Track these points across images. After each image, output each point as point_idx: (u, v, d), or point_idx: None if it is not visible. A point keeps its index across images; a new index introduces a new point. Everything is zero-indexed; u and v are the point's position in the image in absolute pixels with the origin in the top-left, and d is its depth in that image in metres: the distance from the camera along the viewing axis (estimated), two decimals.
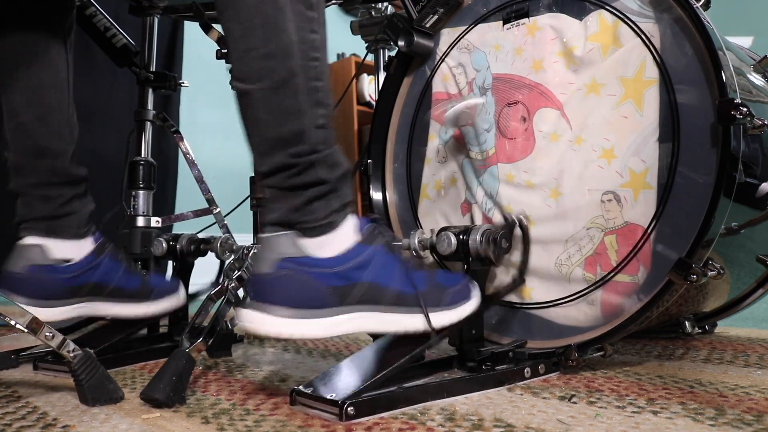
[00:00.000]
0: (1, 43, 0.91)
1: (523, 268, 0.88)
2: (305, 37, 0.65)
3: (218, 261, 1.14)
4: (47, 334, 0.73)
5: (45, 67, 0.91)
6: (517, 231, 0.88)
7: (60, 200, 0.91)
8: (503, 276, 0.93)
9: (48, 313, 0.87)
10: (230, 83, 0.67)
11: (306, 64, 0.65)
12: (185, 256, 1.14)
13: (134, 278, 1.01)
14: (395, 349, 0.75)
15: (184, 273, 1.16)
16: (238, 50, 0.65)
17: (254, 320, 0.64)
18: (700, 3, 0.83)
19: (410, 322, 0.71)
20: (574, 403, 0.70)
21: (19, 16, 0.91)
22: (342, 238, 0.67)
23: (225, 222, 1.31)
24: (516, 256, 0.90)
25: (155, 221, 1.28)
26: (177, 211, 2.12)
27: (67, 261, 0.90)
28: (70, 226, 0.92)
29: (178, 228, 1.65)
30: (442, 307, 0.74)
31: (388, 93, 1.16)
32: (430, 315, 0.72)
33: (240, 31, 0.64)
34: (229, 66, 1.21)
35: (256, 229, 1.24)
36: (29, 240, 0.89)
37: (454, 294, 0.77)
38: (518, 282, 0.88)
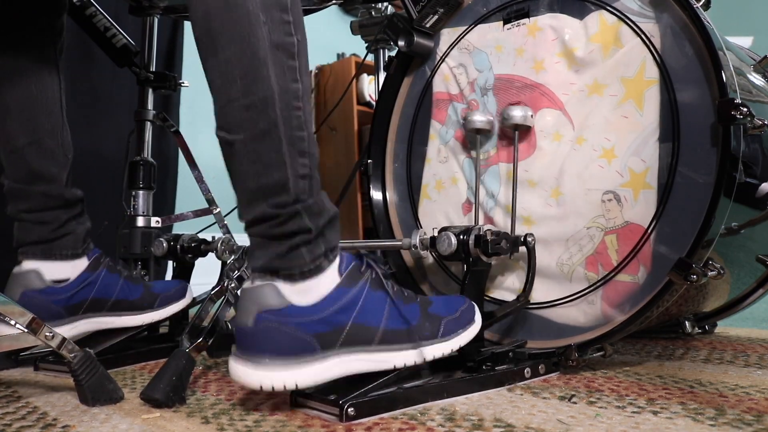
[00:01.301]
0: None
1: (528, 288, 0.87)
2: (287, 86, 0.64)
3: (218, 261, 1.14)
4: (47, 334, 0.73)
5: (37, 92, 0.91)
6: (522, 249, 0.88)
7: (55, 224, 0.91)
8: (507, 294, 0.93)
9: None
10: (215, 132, 0.67)
11: (288, 114, 0.64)
12: (185, 256, 1.14)
13: (136, 288, 1.00)
14: None
15: (184, 273, 1.16)
16: (220, 100, 0.64)
17: (242, 373, 0.64)
18: (700, 3, 0.83)
19: (401, 359, 0.70)
20: (574, 403, 0.70)
21: (8, 40, 0.90)
22: (324, 282, 0.66)
23: (225, 222, 1.31)
24: (520, 274, 0.90)
25: (155, 221, 1.28)
26: (177, 211, 2.12)
27: (64, 280, 0.91)
28: (66, 248, 0.92)
29: (178, 228, 1.65)
30: (436, 340, 0.73)
31: (388, 93, 1.16)
32: (425, 348, 0.71)
33: (222, 81, 0.64)
34: None
35: None
36: (25, 266, 0.89)
37: (449, 323, 0.75)
38: (523, 302, 0.87)
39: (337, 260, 0.68)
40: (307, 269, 0.65)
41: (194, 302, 1.12)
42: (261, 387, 0.63)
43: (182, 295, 1.08)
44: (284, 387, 0.63)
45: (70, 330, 0.91)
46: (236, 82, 0.63)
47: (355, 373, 0.68)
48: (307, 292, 0.65)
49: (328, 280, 0.67)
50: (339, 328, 0.66)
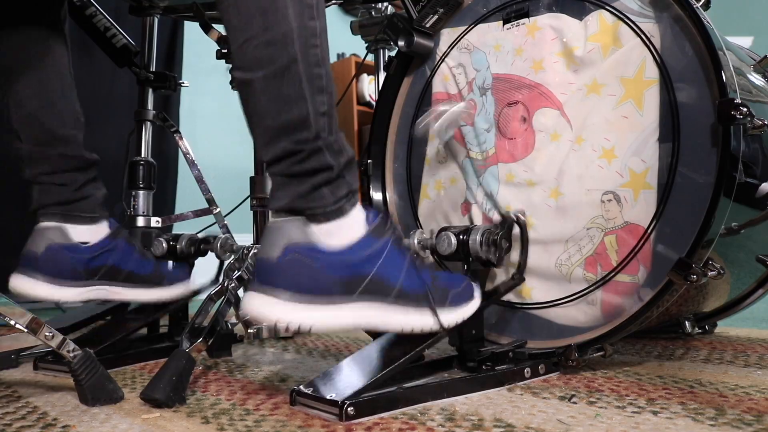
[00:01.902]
0: (1, 37, 0.91)
1: (522, 266, 0.88)
2: (305, 23, 0.64)
3: (218, 261, 1.14)
4: (47, 334, 0.73)
5: (47, 57, 0.92)
6: (516, 229, 0.88)
7: (74, 186, 0.92)
8: (502, 274, 0.93)
9: (66, 293, 0.88)
10: (230, 83, 0.67)
11: (306, 51, 0.64)
12: (185, 256, 1.14)
13: (147, 263, 1.02)
14: (395, 349, 0.75)
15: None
16: (238, 40, 0.64)
17: (257, 303, 0.62)
18: (700, 3, 0.83)
19: (416, 319, 0.70)
20: (574, 403, 0.70)
21: (18, 8, 0.91)
22: (350, 227, 0.66)
23: (225, 222, 1.31)
24: (515, 254, 0.90)
25: (155, 221, 1.29)
26: (177, 211, 2.12)
27: (85, 243, 0.92)
28: (85, 210, 0.93)
29: (178, 228, 1.65)
30: (446, 307, 0.74)
31: (388, 93, 1.16)
32: (437, 312, 0.72)
33: (239, 20, 0.64)
34: (230, 66, 1.22)
35: (257, 229, 1.24)
36: (48, 223, 0.90)
37: (455, 295, 0.76)
38: (518, 280, 0.88)
39: (362, 210, 0.69)
40: (329, 210, 0.65)
41: (198, 293, 1.13)
42: (276, 323, 0.62)
43: (187, 278, 1.08)
44: (299, 328, 0.62)
45: (85, 293, 0.92)
46: (255, 19, 0.63)
47: (367, 325, 0.68)
48: (331, 235, 0.65)
49: (353, 226, 0.67)
50: (361, 276, 0.66)
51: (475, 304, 0.79)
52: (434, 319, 0.72)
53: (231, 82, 1.21)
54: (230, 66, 1.22)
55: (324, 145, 0.65)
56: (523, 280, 0.89)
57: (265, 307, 0.62)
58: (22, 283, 0.85)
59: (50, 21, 0.94)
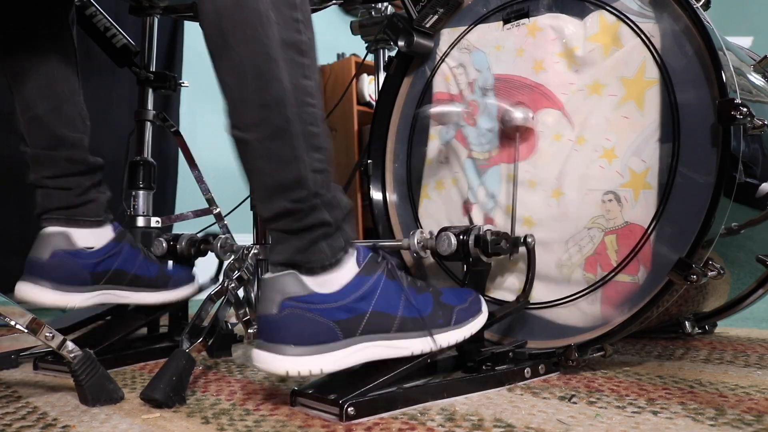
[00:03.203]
0: (10, 39, 0.91)
1: (527, 290, 0.88)
2: (299, 83, 0.65)
3: (218, 260, 1.14)
4: (47, 334, 0.73)
5: (55, 60, 0.92)
6: (522, 249, 0.88)
7: (78, 190, 0.92)
8: (507, 294, 0.93)
9: (73, 299, 0.88)
10: (227, 131, 0.67)
11: (301, 111, 0.65)
12: (185, 256, 1.14)
13: (153, 266, 1.02)
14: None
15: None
16: (233, 100, 0.65)
17: (266, 360, 0.65)
18: (700, 3, 0.83)
19: (418, 345, 0.72)
20: (574, 403, 0.70)
21: (27, 13, 0.92)
22: (344, 272, 0.68)
23: (225, 222, 1.31)
24: (520, 275, 0.91)
25: (155, 221, 1.28)
26: (177, 211, 2.12)
27: (90, 248, 0.92)
28: (89, 215, 0.93)
29: (178, 228, 1.65)
30: (449, 327, 0.75)
31: (388, 93, 1.16)
32: (439, 335, 0.74)
33: (233, 81, 0.64)
34: None
35: (256, 229, 1.24)
36: (53, 229, 0.90)
37: (460, 312, 0.77)
38: (522, 304, 0.88)
39: (354, 251, 0.70)
40: (327, 263, 0.66)
41: (201, 290, 1.13)
42: (287, 373, 0.64)
43: (191, 280, 1.09)
44: (310, 372, 0.65)
45: (91, 298, 0.92)
46: (249, 83, 0.63)
47: (375, 359, 0.70)
48: (327, 283, 0.67)
49: (347, 270, 0.68)
50: (360, 315, 0.68)
51: (482, 318, 0.80)
52: (431, 342, 0.73)
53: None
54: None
55: (321, 202, 0.66)
56: (528, 303, 0.89)
57: (274, 363, 0.65)
58: (28, 291, 0.85)
59: (58, 26, 0.94)
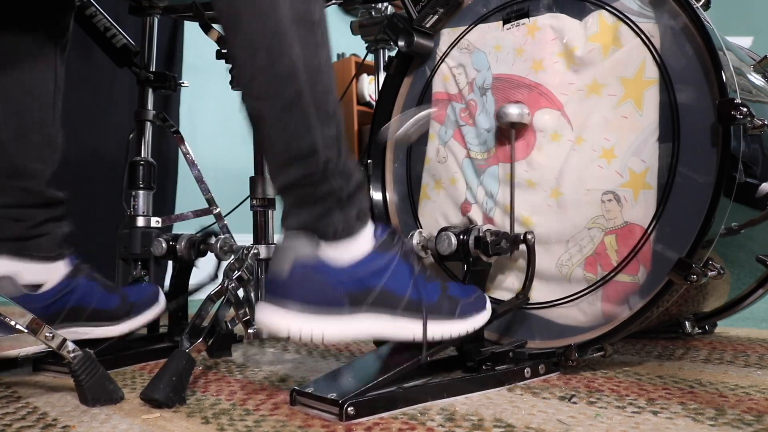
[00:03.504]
0: None
1: (527, 287, 0.88)
2: (309, 57, 0.65)
3: (218, 261, 1.14)
4: (47, 334, 0.73)
5: (29, 85, 0.90)
6: (522, 247, 0.88)
7: (31, 222, 0.89)
8: (507, 294, 0.93)
9: (27, 345, 0.84)
10: (230, 83, 0.67)
11: (312, 84, 0.65)
12: (185, 256, 1.14)
13: (113, 297, 0.98)
14: (398, 354, 0.75)
15: (184, 273, 1.16)
16: (245, 74, 0.66)
17: (269, 315, 0.65)
18: (700, 3, 0.83)
19: (420, 329, 0.72)
20: (574, 403, 0.70)
21: (7, 30, 0.89)
22: (359, 244, 0.68)
23: (225, 222, 1.31)
24: (520, 275, 0.91)
25: (155, 221, 1.28)
26: (177, 211, 2.12)
27: (39, 285, 0.88)
28: (41, 249, 0.89)
29: (178, 228, 1.65)
30: (453, 318, 0.75)
31: (388, 93, 1.16)
32: (443, 324, 0.74)
33: (245, 56, 0.65)
34: (230, 66, 1.22)
35: (256, 229, 1.24)
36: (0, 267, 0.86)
37: (466, 305, 0.77)
38: (522, 300, 0.88)
39: (371, 225, 0.70)
40: (339, 231, 0.67)
41: (190, 292, 1.12)
42: (289, 333, 0.64)
43: (155, 301, 1.04)
44: (311, 337, 0.64)
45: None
46: (260, 55, 0.64)
47: (377, 335, 0.70)
48: (340, 252, 0.67)
49: (362, 242, 0.69)
50: (369, 289, 0.68)
51: (485, 314, 0.80)
52: (437, 330, 0.73)
53: (231, 82, 1.21)
54: (230, 66, 1.22)
55: (333, 171, 0.66)
56: (528, 300, 0.89)
57: (276, 317, 0.64)
58: None
59: (42, 48, 0.91)
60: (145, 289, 1.07)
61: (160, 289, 1.08)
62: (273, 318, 0.64)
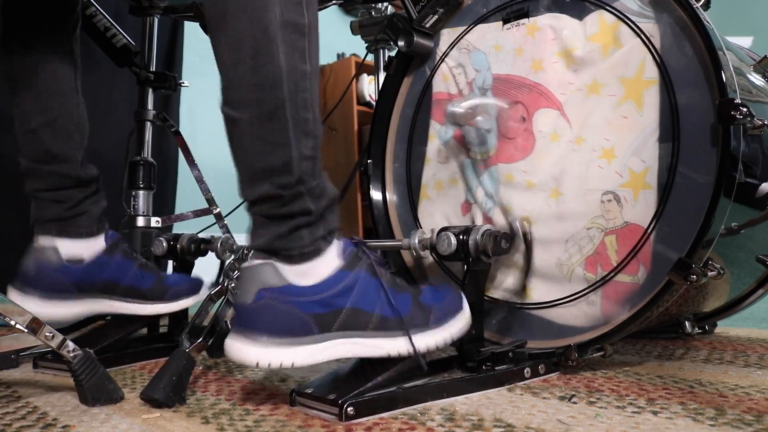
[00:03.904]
0: (7, 50, 0.91)
1: (526, 283, 0.88)
2: (295, 66, 0.64)
3: (218, 261, 1.14)
4: (47, 334, 0.73)
5: (51, 73, 0.92)
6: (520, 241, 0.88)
7: (70, 203, 0.92)
8: (507, 294, 0.93)
9: (58, 310, 0.88)
10: (220, 108, 0.66)
11: (295, 95, 0.64)
12: (185, 256, 1.14)
13: (149, 277, 1.01)
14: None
15: (184, 273, 1.16)
16: (228, 77, 0.64)
17: (235, 349, 0.64)
18: (700, 3, 0.83)
19: (393, 346, 0.70)
20: (574, 403, 0.70)
21: (24, 20, 0.91)
22: (324, 264, 0.67)
23: (225, 222, 1.31)
24: (520, 275, 0.91)
25: (155, 221, 1.29)
26: (177, 211, 2.12)
27: (79, 260, 0.92)
28: (81, 226, 0.93)
29: (178, 228, 1.65)
30: (427, 328, 0.72)
31: (388, 93, 1.16)
32: (415, 337, 0.71)
33: (231, 58, 0.64)
34: None
35: None
36: (42, 241, 0.90)
37: (439, 312, 0.74)
38: (520, 296, 0.88)
39: (337, 243, 0.69)
40: (306, 251, 0.66)
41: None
42: (257, 364, 0.63)
43: (195, 292, 1.07)
44: (281, 365, 0.64)
45: (77, 307, 0.91)
46: (245, 61, 0.63)
47: (348, 356, 0.69)
48: (306, 274, 0.66)
49: (328, 262, 0.67)
50: (337, 311, 0.66)
51: (463, 322, 0.77)
52: (407, 344, 0.70)
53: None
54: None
55: (306, 189, 0.65)
56: (526, 304, 0.89)
57: (245, 351, 0.64)
58: (15, 299, 0.85)
59: (57, 36, 0.93)
60: (186, 278, 1.09)
61: (204, 283, 1.10)
62: (241, 351, 0.64)
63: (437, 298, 0.77)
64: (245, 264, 0.66)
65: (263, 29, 0.62)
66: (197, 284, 1.08)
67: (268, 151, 0.64)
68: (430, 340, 0.72)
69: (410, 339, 0.70)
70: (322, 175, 0.68)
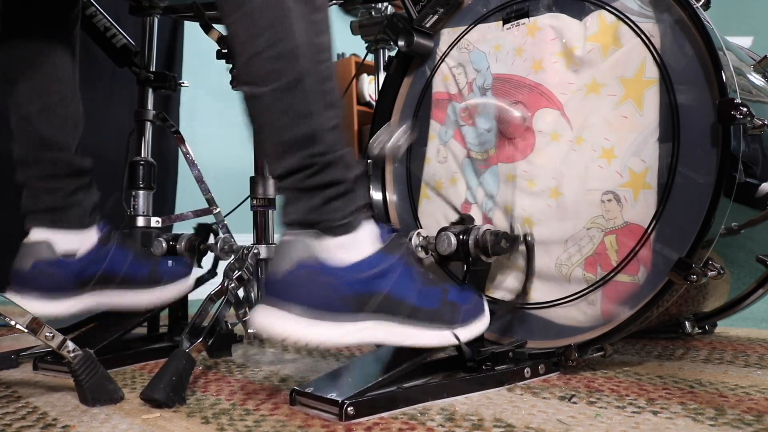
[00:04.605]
0: (6, 37, 0.91)
1: (526, 290, 0.88)
2: (313, 39, 0.64)
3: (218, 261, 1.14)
4: (47, 334, 0.73)
5: (49, 60, 0.92)
6: (522, 247, 0.88)
7: (64, 192, 0.91)
8: (507, 294, 0.93)
9: (59, 308, 0.88)
10: (234, 87, 0.66)
11: (315, 66, 0.64)
12: (185, 256, 1.14)
13: (144, 265, 1.01)
14: (398, 354, 0.74)
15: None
16: (245, 53, 0.64)
17: (263, 318, 0.62)
18: (700, 3, 0.83)
19: (423, 337, 0.70)
20: (574, 403, 0.70)
21: (24, 8, 0.91)
22: (363, 242, 0.66)
23: (225, 222, 1.31)
24: (519, 275, 0.91)
25: (155, 221, 1.28)
26: (177, 211, 2.12)
27: (73, 253, 0.91)
28: (74, 217, 0.92)
29: (178, 228, 1.65)
30: (459, 324, 0.74)
31: (388, 93, 1.16)
32: (446, 331, 0.72)
33: (247, 34, 0.63)
34: (230, 66, 1.22)
35: (257, 229, 1.24)
36: (35, 235, 0.89)
37: (466, 311, 0.76)
38: (520, 305, 0.88)
39: (373, 224, 0.68)
40: (342, 223, 0.65)
41: (201, 282, 1.12)
42: (285, 339, 0.61)
43: (187, 274, 1.07)
44: (308, 343, 0.62)
45: (78, 303, 0.91)
46: (263, 33, 0.63)
47: (380, 342, 0.68)
48: (344, 249, 0.64)
49: (366, 241, 0.66)
50: (375, 293, 0.65)
51: (485, 320, 0.79)
52: (449, 335, 0.72)
53: (231, 82, 1.21)
54: (230, 66, 1.22)
55: (335, 159, 0.65)
56: (525, 301, 0.89)
57: (275, 322, 0.62)
58: (15, 301, 0.85)
59: (59, 24, 0.93)
60: (178, 260, 1.08)
61: (194, 265, 1.09)
62: (272, 321, 0.61)
63: (463, 297, 0.77)
64: (282, 236, 0.64)
65: (279, 4, 0.63)
66: (189, 265, 1.08)
67: (293, 122, 0.63)
68: (460, 333, 0.74)
69: (441, 331, 0.71)
70: (348, 147, 0.67)
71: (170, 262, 1.08)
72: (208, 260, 1.14)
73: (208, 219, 1.34)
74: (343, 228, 0.65)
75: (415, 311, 0.69)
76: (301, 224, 0.65)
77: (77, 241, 0.92)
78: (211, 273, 1.12)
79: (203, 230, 1.12)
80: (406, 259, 0.70)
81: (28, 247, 0.89)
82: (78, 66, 0.96)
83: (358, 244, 0.66)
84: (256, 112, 0.65)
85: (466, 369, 0.81)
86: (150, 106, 1.34)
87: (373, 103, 2.15)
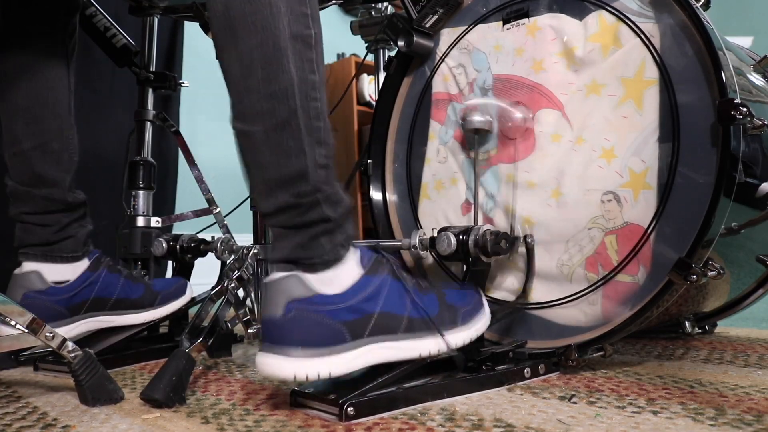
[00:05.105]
0: (5, 71, 0.91)
1: (526, 290, 0.88)
2: (305, 77, 0.65)
3: (218, 261, 1.14)
4: (47, 334, 0.73)
5: (45, 93, 0.91)
6: (522, 249, 0.88)
7: (56, 227, 0.92)
8: (507, 294, 0.93)
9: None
10: (231, 124, 0.67)
11: (307, 104, 0.65)
12: (185, 256, 1.14)
13: (137, 287, 1.01)
14: None
15: (184, 273, 1.16)
16: (238, 90, 0.65)
17: (272, 365, 0.63)
18: (700, 3, 0.83)
19: (426, 346, 0.71)
20: (574, 403, 0.70)
21: (19, 39, 0.91)
22: (348, 272, 0.67)
23: (225, 222, 1.31)
24: (519, 275, 0.91)
25: (155, 221, 1.28)
26: (177, 211, 2.12)
27: (64, 282, 0.91)
28: (66, 251, 0.93)
29: (178, 228, 1.65)
30: (456, 327, 0.75)
31: (388, 93, 1.16)
32: (448, 336, 0.73)
33: (240, 71, 0.64)
34: None
35: (256, 229, 1.24)
36: (26, 267, 0.90)
37: (466, 313, 0.77)
38: (521, 305, 0.88)
39: (357, 251, 0.69)
40: (327, 258, 0.66)
41: (194, 302, 1.12)
42: (295, 377, 0.62)
43: (182, 292, 1.09)
44: (318, 376, 0.63)
45: (72, 329, 0.92)
46: (256, 72, 0.63)
47: (383, 361, 0.69)
48: (330, 282, 0.66)
49: (350, 270, 0.67)
50: (367, 316, 0.67)
51: (486, 320, 0.79)
52: (439, 343, 0.72)
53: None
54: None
55: (323, 197, 0.65)
56: (526, 303, 0.89)
57: (279, 366, 0.63)
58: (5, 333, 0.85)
59: (54, 55, 0.93)
60: (171, 281, 1.10)
61: (188, 283, 1.11)
62: (276, 367, 0.63)
63: (461, 297, 0.79)
64: (268, 278, 0.66)
65: (274, 43, 0.63)
66: (183, 285, 1.10)
67: (283, 160, 0.64)
68: (459, 337, 0.75)
69: (442, 338, 0.72)
70: (337, 184, 0.68)
71: (164, 280, 1.08)
72: (210, 265, 1.14)
73: (208, 219, 1.34)
74: (328, 263, 0.66)
75: (412, 323, 0.70)
76: (288, 261, 0.66)
77: (69, 272, 0.92)
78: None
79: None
80: (393, 275, 0.71)
81: (19, 278, 0.89)
82: (73, 92, 0.95)
83: (344, 274, 0.67)
84: (247, 149, 0.66)
85: (466, 369, 0.81)
86: (150, 106, 1.34)
87: (373, 103, 2.15)
